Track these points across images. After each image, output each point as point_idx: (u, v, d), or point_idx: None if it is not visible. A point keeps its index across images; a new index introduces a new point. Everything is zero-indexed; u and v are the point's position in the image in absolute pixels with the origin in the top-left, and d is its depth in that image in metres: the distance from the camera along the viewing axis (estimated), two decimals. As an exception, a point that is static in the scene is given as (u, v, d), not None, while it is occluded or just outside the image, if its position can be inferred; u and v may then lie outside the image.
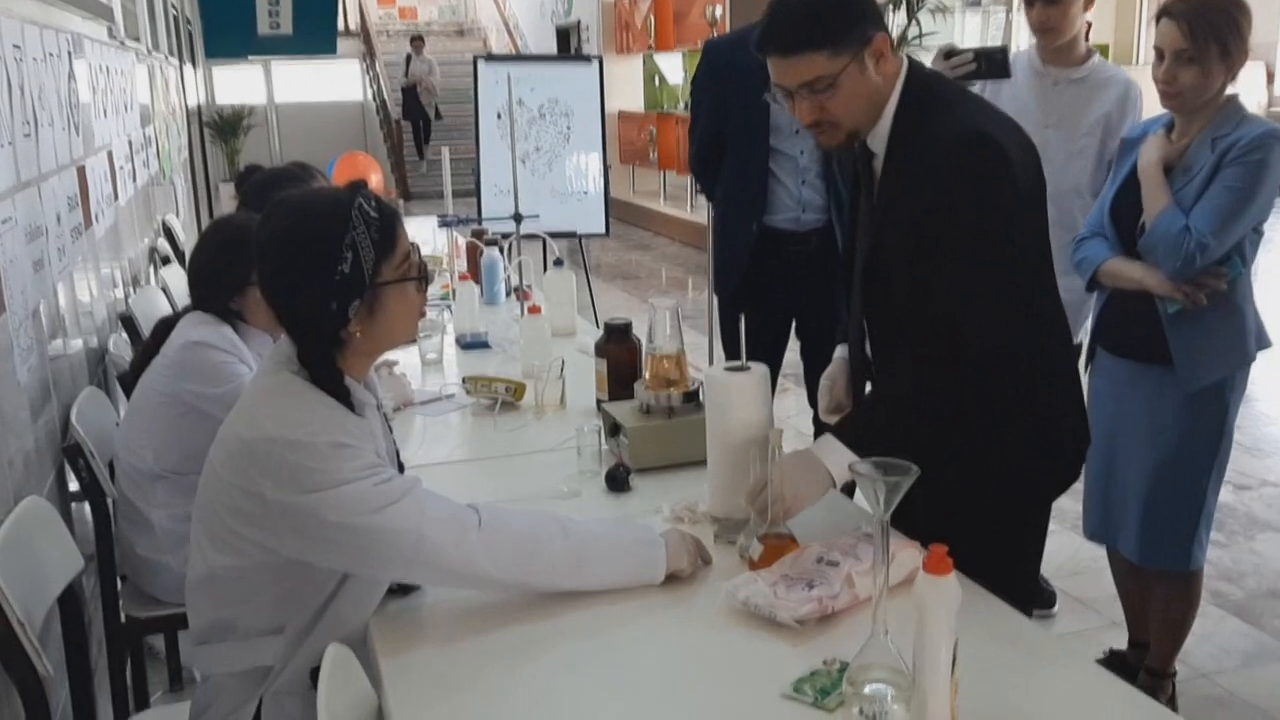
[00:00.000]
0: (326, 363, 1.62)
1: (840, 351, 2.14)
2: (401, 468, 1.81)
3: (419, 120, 16.46)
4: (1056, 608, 3.36)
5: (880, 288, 1.89)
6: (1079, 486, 2.56)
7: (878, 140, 1.82)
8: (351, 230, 1.58)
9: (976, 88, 3.19)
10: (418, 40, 16.63)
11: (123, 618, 2.44)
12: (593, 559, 1.66)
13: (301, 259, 1.60)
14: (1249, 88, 13.85)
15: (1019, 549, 1.97)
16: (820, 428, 3.51)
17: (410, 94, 16.36)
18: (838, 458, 1.76)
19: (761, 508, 1.74)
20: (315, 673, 1.39)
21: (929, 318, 1.75)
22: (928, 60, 2.45)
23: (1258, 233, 2.51)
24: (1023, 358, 1.82)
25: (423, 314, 1.75)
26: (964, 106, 1.81)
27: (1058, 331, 1.95)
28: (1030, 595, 1.93)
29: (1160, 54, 2.42)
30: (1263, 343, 2.58)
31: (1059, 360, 1.94)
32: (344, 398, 1.61)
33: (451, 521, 1.58)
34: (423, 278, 1.70)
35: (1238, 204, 2.38)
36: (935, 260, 1.73)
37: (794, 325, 3.46)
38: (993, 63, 2.87)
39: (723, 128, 3.33)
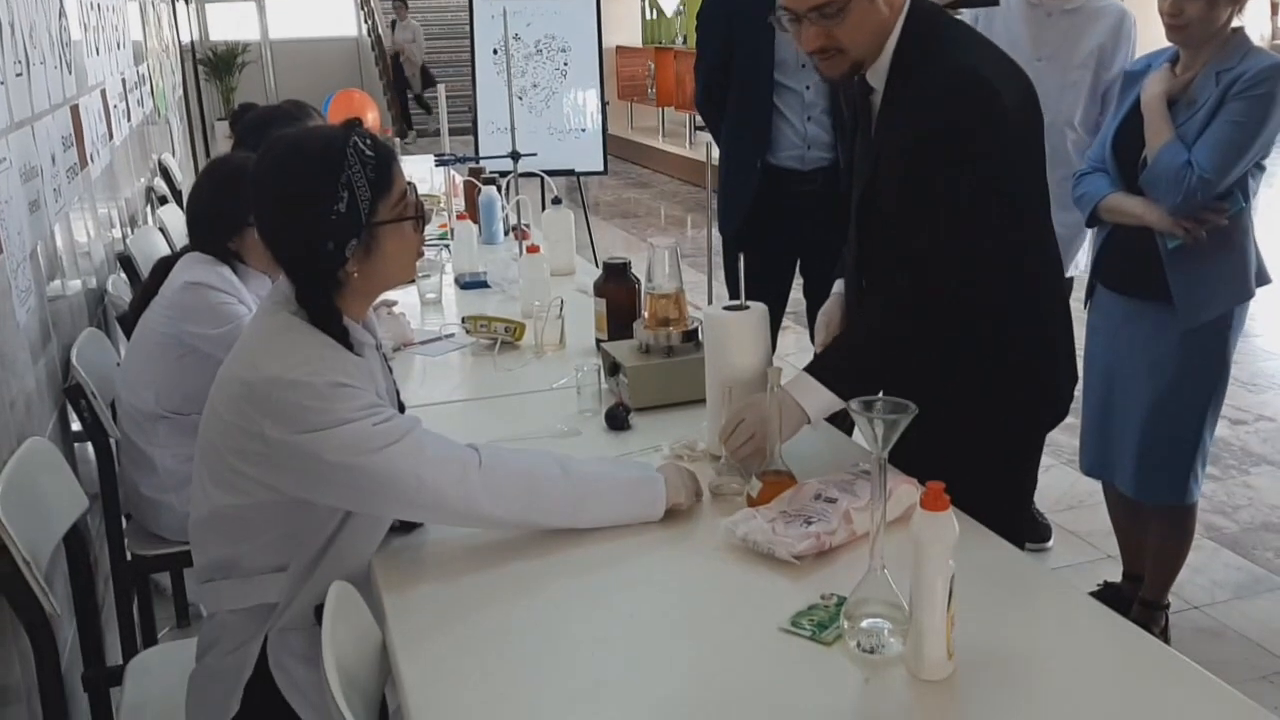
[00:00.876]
0: (325, 303, 1.62)
1: (838, 287, 2.13)
2: (402, 408, 1.81)
3: (404, 94, 15.43)
4: (1051, 542, 3.40)
5: (876, 222, 1.89)
6: (1074, 422, 2.57)
7: (877, 74, 1.81)
8: (347, 169, 1.57)
9: (966, 16, 3.16)
10: (400, 4, 15.38)
11: (128, 556, 2.46)
12: (593, 497, 1.68)
13: (297, 199, 1.59)
14: (1253, 19, 13.71)
15: (1010, 484, 1.98)
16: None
17: (395, 63, 15.35)
18: (814, 397, 1.76)
19: (735, 448, 1.76)
20: (319, 610, 1.41)
21: (908, 251, 1.75)
22: None
23: (1260, 168, 2.50)
24: (1007, 295, 1.81)
25: (420, 254, 1.74)
26: (963, 45, 1.80)
27: (1049, 269, 1.95)
28: (1022, 528, 1.93)
29: None
30: (1263, 279, 2.57)
31: (1049, 298, 1.93)
32: (343, 338, 1.61)
33: (451, 462, 1.59)
34: (420, 217, 1.69)
35: (1242, 138, 2.36)
36: (917, 194, 1.74)
37: (798, 263, 3.46)
38: None
39: (729, 63, 3.30)
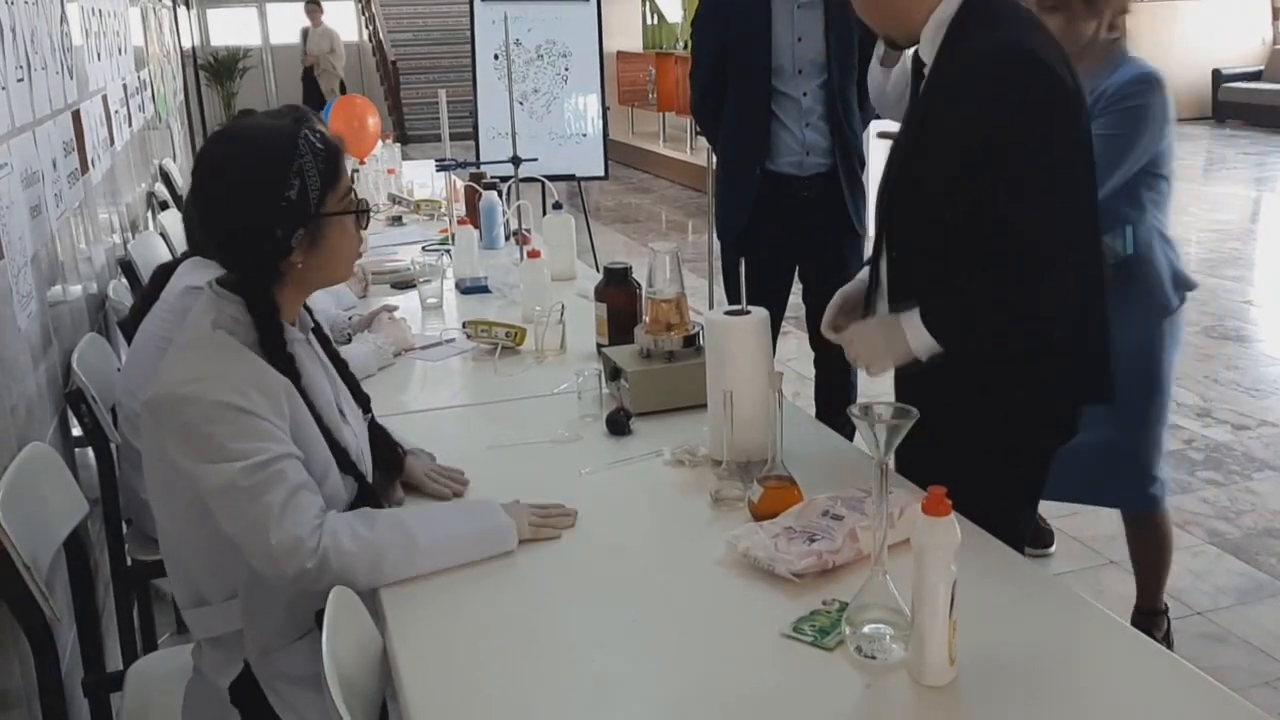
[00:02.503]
0: (265, 295, 1.61)
1: (864, 273, 2.10)
2: (365, 399, 1.84)
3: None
4: (1054, 547, 3.39)
5: (910, 190, 1.85)
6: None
7: (928, 50, 1.80)
8: (299, 158, 1.58)
9: None
10: (314, 6, 12.96)
11: (128, 561, 2.46)
12: (442, 559, 1.62)
13: (248, 185, 1.58)
14: (1252, 25, 13.71)
15: (1023, 489, 1.95)
16: (819, 355, 3.52)
17: (308, 78, 13.12)
18: (920, 339, 1.76)
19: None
20: (320, 615, 1.41)
21: (997, 224, 1.69)
22: None
23: (1161, 177, 2.44)
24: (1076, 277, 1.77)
25: (359, 253, 1.75)
26: (1016, 22, 1.77)
27: (1095, 261, 1.86)
28: (1022, 533, 1.90)
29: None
30: (1182, 287, 2.53)
31: (1093, 293, 1.84)
32: (277, 333, 1.61)
33: (291, 545, 1.51)
34: (363, 212, 1.70)
35: (1113, 152, 2.30)
36: (992, 174, 1.68)
37: (797, 269, 3.46)
38: None
39: (725, 69, 3.30)
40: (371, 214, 1.79)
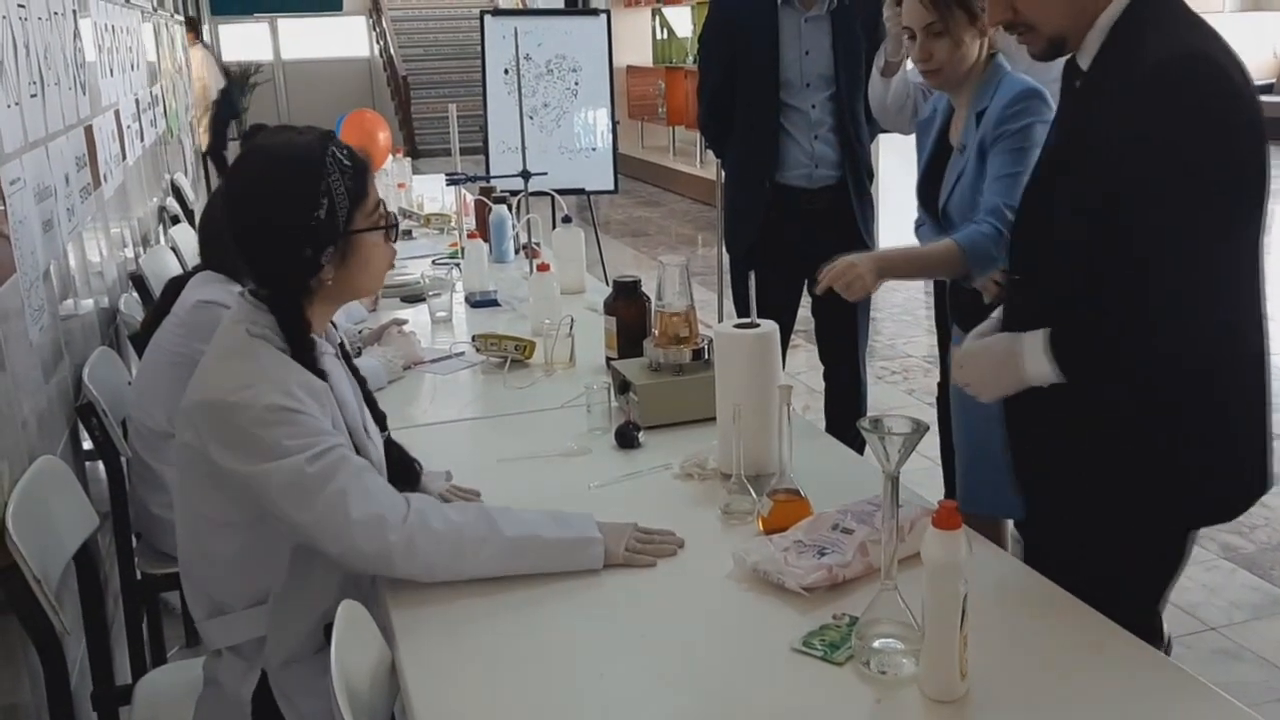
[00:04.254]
0: (297, 312, 1.62)
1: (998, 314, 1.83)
2: (381, 417, 1.84)
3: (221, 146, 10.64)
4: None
5: (1054, 217, 1.64)
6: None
7: (1086, 55, 1.61)
8: (326, 176, 1.59)
9: None
10: (190, 32, 9.71)
11: (138, 574, 2.46)
12: (521, 557, 1.62)
13: (277, 204, 1.60)
14: (1260, 37, 13.68)
15: (1149, 570, 1.71)
16: (828, 367, 3.51)
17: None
18: (1037, 364, 1.58)
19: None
20: (329, 629, 1.41)
21: (1131, 260, 1.51)
22: None
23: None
24: (1222, 337, 1.56)
25: (391, 265, 1.76)
26: (1186, 25, 1.55)
27: (1256, 324, 1.60)
28: (1147, 624, 1.62)
29: (911, 33, 2.30)
30: None
31: (1251, 366, 1.61)
32: (309, 349, 1.62)
33: (374, 519, 1.54)
34: (393, 226, 1.72)
35: (1024, 165, 2.21)
36: (1141, 197, 1.49)
37: (806, 282, 3.45)
38: None
39: (733, 84, 3.31)
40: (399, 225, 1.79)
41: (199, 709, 1.73)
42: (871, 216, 3.39)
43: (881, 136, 3.69)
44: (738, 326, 1.92)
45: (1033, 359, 1.59)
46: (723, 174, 3.78)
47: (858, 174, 3.31)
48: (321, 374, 1.63)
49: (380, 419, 1.85)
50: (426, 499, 1.64)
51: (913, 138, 3.47)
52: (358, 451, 1.65)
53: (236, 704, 1.67)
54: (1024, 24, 1.62)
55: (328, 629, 1.39)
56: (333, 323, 1.79)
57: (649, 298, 2.43)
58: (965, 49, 2.28)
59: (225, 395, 1.54)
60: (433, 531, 1.57)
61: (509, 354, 2.63)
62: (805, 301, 3.49)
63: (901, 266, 2.41)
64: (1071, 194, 1.59)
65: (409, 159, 6.12)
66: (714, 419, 1.98)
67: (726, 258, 3.70)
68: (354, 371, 1.83)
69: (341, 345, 1.82)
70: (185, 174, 6.85)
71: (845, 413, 3.49)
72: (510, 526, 1.62)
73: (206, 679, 1.73)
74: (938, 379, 3.52)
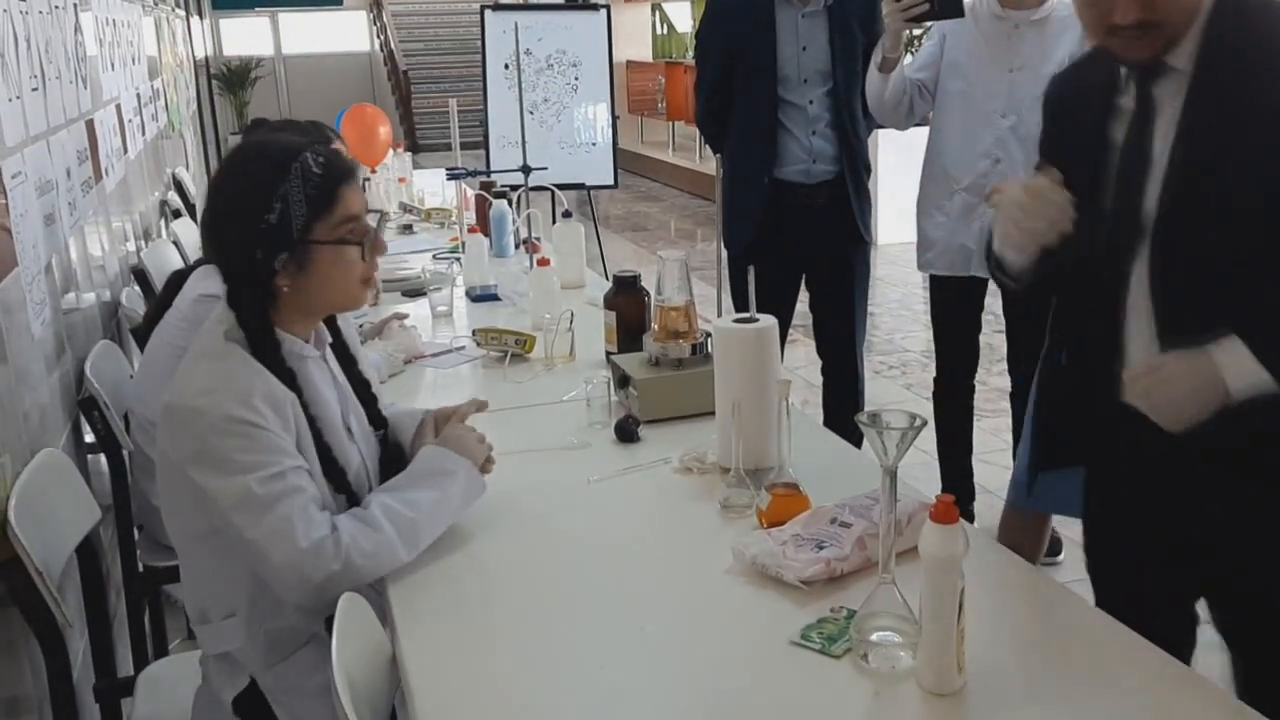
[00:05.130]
0: (254, 311, 1.62)
1: None
2: (378, 418, 1.84)
3: None
4: (1062, 555, 3.39)
5: (1204, 219, 1.50)
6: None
7: (1182, 54, 1.51)
8: (286, 182, 1.58)
9: (938, 35, 3.16)
10: None
11: (140, 567, 2.47)
12: (435, 528, 1.68)
13: (235, 202, 1.61)
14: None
15: None
16: (826, 364, 3.52)
17: None
18: (1240, 368, 1.42)
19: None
20: (329, 621, 1.42)
21: None
22: None
23: None
24: None
25: (371, 283, 1.71)
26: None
27: None
28: None
29: None
30: None
31: None
32: (271, 350, 1.61)
33: (316, 549, 1.53)
34: (361, 243, 1.66)
35: None
36: None
37: (804, 277, 3.46)
38: (946, 2, 2.83)
39: (731, 80, 3.32)
40: (381, 235, 1.74)
41: (196, 704, 1.76)
42: (869, 211, 3.40)
43: (880, 132, 3.70)
44: (737, 321, 1.93)
45: (1235, 366, 1.42)
46: (721, 169, 3.79)
47: (855, 169, 3.32)
48: (290, 374, 1.62)
49: (380, 423, 1.86)
50: (349, 520, 1.60)
51: (912, 133, 3.49)
52: (331, 454, 1.66)
53: (223, 706, 1.69)
54: (1154, 22, 1.46)
55: (328, 621, 1.40)
56: (335, 325, 1.79)
57: (649, 292, 2.43)
58: None
59: (187, 399, 1.56)
60: (366, 553, 1.57)
61: (509, 348, 2.64)
62: (803, 296, 3.50)
63: None
64: (1228, 191, 1.47)
65: (409, 154, 6.12)
66: (713, 413, 1.98)
67: (725, 252, 3.71)
68: (353, 374, 1.83)
69: (342, 346, 1.81)
70: (187, 168, 6.85)
71: (843, 407, 3.50)
72: (415, 511, 1.65)
73: (203, 675, 1.75)
74: (933, 374, 3.53)
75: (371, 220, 1.71)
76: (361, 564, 1.55)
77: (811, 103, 3.24)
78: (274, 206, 1.57)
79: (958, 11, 2.86)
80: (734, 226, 3.47)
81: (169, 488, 1.64)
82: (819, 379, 3.64)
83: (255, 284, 1.61)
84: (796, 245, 3.32)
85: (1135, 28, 1.46)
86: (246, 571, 1.62)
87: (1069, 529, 3.47)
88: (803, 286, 3.49)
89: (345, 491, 1.69)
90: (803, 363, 4.87)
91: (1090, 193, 1.58)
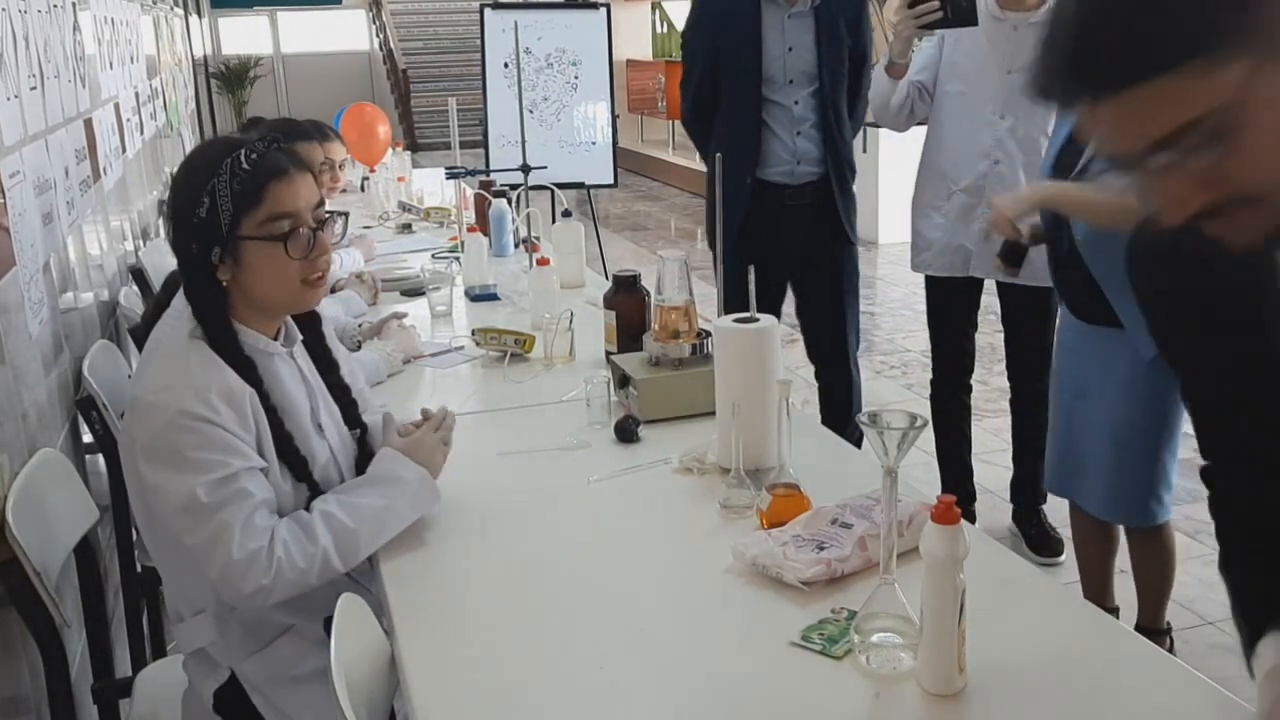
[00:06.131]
0: (208, 305, 1.64)
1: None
2: (356, 419, 1.85)
3: None
4: (1063, 556, 3.38)
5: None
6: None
7: None
8: (215, 177, 1.60)
9: (938, 36, 3.17)
10: None
11: (138, 567, 2.46)
12: (383, 534, 1.67)
13: (175, 196, 1.65)
14: None
15: None
16: (817, 368, 3.51)
17: None
18: None
19: None
20: (328, 621, 1.42)
21: None
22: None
23: None
24: None
25: (312, 283, 1.69)
26: None
27: None
28: None
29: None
30: None
31: None
32: (225, 342, 1.63)
33: (249, 560, 1.54)
34: (283, 239, 1.64)
35: None
36: None
37: (791, 280, 3.46)
38: (960, 10, 2.83)
39: (715, 80, 3.31)
40: (326, 235, 1.71)
41: (184, 705, 1.77)
42: (854, 212, 3.40)
43: (882, 131, 3.70)
44: (737, 321, 1.92)
45: None
46: (718, 169, 3.78)
47: (840, 170, 3.32)
48: (249, 364, 1.63)
49: (354, 420, 1.86)
50: (285, 530, 1.60)
51: (910, 134, 3.49)
52: (293, 444, 1.67)
53: (205, 705, 1.69)
54: (1240, 199, 0.88)
55: (327, 621, 1.40)
56: (313, 322, 1.81)
57: (648, 292, 2.43)
58: None
59: (145, 393, 1.57)
60: (297, 568, 1.58)
61: (508, 348, 2.63)
62: (790, 299, 3.50)
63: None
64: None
65: (409, 153, 6.12)
66: (713, 413, 1.98)
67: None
68: (328, 371, 1.83)
69: (316, 344, 1.82)
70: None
71: (838, 410, 3.50)
72: (356, 520, 1.64)
73: (187, 677, 1.77)
74: (930, 375, 3.53)
75: (336, 221, 1.73)
76: (292, 578, 1.57)
77: (797, 103, 3.24)
78: (203, 200, 1.60)
79: (970, 19, 2.85)
80: (719, 228, 3.47)
81: (135, 484, 1.65)
82: (815, 382, 3.64)
83: (199, 277, 1.64)
84: (782, 246, 3.31)
85: (1203, 217, 0.91)
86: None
87: (1069, 529, 3.47)
88: (788, 289, 3.48)
89: (307, 481, 1.70)
90: (802, 363, 4.86)
91: None
